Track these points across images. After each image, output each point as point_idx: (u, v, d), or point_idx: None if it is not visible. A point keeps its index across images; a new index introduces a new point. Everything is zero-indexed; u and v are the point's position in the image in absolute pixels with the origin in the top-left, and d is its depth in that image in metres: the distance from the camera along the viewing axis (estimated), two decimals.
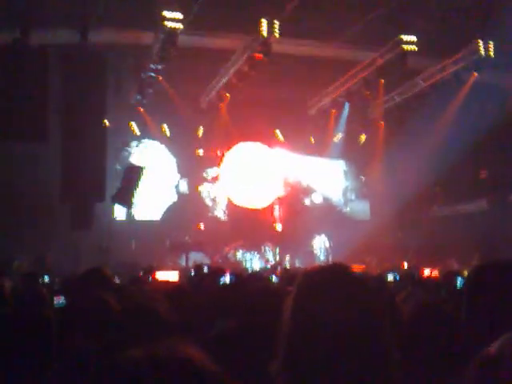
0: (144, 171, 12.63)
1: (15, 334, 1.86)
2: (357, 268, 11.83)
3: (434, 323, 2.21)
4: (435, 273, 10.85)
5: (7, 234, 12.38)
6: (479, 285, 1.95)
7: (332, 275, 1.44)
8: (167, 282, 6.33)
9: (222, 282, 4.20)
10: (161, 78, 14.31)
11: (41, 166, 13.65)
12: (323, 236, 16.38)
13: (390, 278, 6.66)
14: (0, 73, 11.26)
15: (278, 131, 17.57)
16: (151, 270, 9.05)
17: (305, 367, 1.31)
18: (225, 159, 17.45)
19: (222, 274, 4.49)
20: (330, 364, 1.29)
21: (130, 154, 16.61)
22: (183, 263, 14.47)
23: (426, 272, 11.03)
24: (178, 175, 17.00)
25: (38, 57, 11.30)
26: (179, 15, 11.55)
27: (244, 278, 4.38)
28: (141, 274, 8.51)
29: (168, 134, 16.68)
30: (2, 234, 12.18)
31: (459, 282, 6.25)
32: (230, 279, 4.60)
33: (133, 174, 12.36)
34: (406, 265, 12.90)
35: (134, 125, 16.36)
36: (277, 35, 12.26)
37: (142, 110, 15.88)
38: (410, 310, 2.48)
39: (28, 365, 1.78)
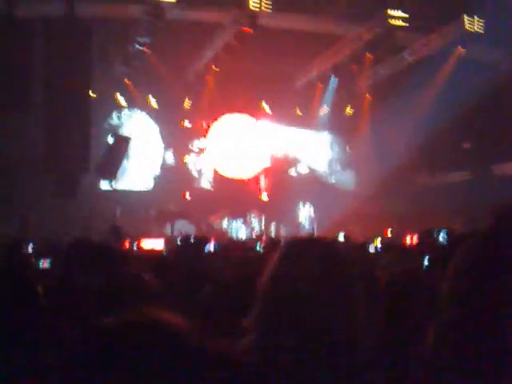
0: (130, 142, 12.56)
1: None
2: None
3: (409, 290, 2.24)
4: (415, 239, 11.03)
5: None
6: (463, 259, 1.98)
7: (312, 243, 1.56)
8: (152, 252, 6.40)
9: (206, 251, 4.29)
10: (147, 50, 14.20)
11: (27, 136, 13.57)
12: (308, 205, 16.58)
13: (374, 246, 6.78)
14: None
15: (264, 103, 17.57)
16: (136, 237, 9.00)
17: (276, 324, 1.41)
18: (211, 130, 17.46)
19: (207, 242, 4.55)
20: (299, 322, 1.40)
21: (115, 124, 16.52)
22: (168, 232, 14.57)
23: (408, 240, 11.22)
24: (164, 146, 16.96)
25: (24, 28, 11.17)
26: None
27: (227, 247, 4.48)
28: (127, 241, 8.55)
29: (154, 105, 16.61)
30: None
31: (441, 236, 6.32)
32: (214, 248, 4.69)
33: (118, 144, 12.30)
34: (389, 233, 13.11)
35: (119, 96, 16.25)
36: (265, 9, 12.20)
37: (127, 81, 15.74)
38: (387, 277, 2.54)
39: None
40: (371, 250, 6.70)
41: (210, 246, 4.47)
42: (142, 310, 1.05)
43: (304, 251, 1.52)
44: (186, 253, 4.31)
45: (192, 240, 4.66)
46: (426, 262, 4.15)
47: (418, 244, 7.49)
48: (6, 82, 10.94)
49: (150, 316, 1.02)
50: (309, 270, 1.45)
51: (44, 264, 4.95)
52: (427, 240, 6.48)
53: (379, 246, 7.21)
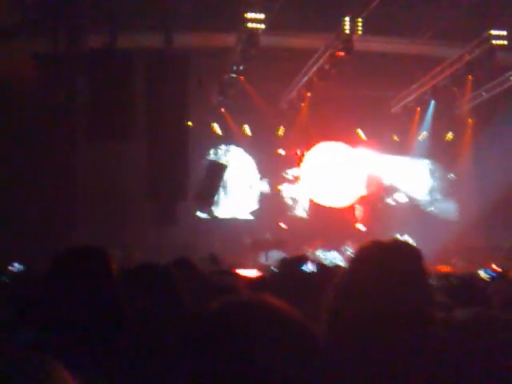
0: (226, 169, 12.74)
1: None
2: (442, 269, 11.42)
3: None
4: None
5: (99, 232, 12.88)
6: None
7: (386, 248, 1.51)
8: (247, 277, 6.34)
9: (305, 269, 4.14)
10: (242, 78, 14.46)
11: (128, 166, 14.15)
12: (407, 236, 15.94)
13: (483, 275, 6.45)
14: (90, 76, 11.83)
15: (359, 130, 17.28)
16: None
17: (347, 326, 1.41)
18: (305, 159, 17.38)
19: (305, 261, 4.38)
20: (369, 325, 1.38)
21: (212, 154, 16.90)
22: (263, 261, 14.53)
23: None
24: (259, 175, 17.14)
25: (124, 60, 11.77)
26: (261, 16, 11.59)
27: (333, 269, 4.31)
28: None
29: (249, 133, 16.85)
30: (95, 232, 12.66)
31: None
32: (316, 268, 4.52)
33: (215, 171, 12.53)
34: (494, 267, 12.28)
35: (215, 126, 16.64)
36: (360, 33, 12.04)
37: (223, 110, 16.12)
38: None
39: None
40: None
41: (309, 266, 4.29)
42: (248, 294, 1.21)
43: (375, 255, 1.51)
44: (283, 271, 4.20)
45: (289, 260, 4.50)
46: None
47: None
48: (109, 112, 11.49)
49: (259, 297, 1.13)
50: (379, 272, 1.44)
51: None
52: None
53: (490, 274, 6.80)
